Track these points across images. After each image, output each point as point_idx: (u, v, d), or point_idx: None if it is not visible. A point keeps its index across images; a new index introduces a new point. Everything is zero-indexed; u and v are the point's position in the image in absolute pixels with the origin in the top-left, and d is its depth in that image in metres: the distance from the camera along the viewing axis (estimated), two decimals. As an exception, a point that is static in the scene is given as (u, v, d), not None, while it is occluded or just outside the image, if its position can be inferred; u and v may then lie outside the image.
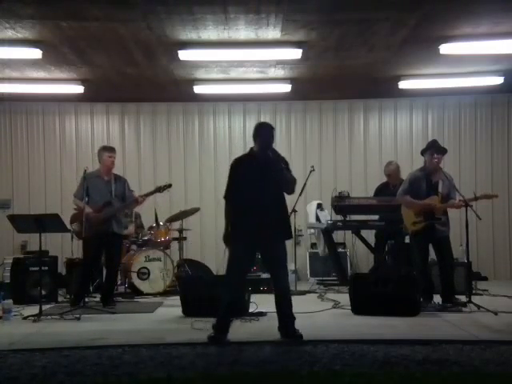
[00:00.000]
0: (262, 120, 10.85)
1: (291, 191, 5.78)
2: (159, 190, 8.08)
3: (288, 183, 5.67)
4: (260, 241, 5.61)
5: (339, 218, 9.07)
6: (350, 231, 9.60)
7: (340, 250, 10.15)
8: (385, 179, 9.38)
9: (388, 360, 4.86)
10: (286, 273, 5.76)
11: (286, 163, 5.75)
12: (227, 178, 5.84)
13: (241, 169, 5.74)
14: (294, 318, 5.66)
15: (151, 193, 8.06)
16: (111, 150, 8.03)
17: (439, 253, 7.31)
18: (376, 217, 8.98)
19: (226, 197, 5.79)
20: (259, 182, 5.57)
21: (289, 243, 10.05)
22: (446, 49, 7.88)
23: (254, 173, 5.61)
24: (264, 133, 5.71)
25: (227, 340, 5.56)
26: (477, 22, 7.12)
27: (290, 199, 9.78)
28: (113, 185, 7.82)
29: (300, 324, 5.72)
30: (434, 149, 7.38)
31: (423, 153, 7.48)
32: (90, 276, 7.90)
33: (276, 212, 5.65)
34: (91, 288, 8.52)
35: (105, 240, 7.63)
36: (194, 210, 9.33)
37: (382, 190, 9.19)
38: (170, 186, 8.13)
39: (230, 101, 10.84)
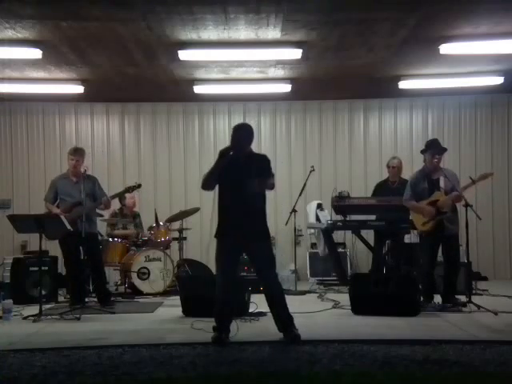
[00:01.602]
0: (262, 120, 10.92)
1: (269, 187, 5.70)
2: (128, 190, 8.13)
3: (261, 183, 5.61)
4: (241, 240, 5.59)
5: (339, 218, 9.06)
6: (350, 231, 9.60)
7: (340, 250, 10.15)
8: (384, 177, 9.38)
9: (388, 360, 4.86)
10: (274, 273, 5.75)
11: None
12: None
13: (223, 169, 5.70)
14: (291, 318, 5.65)
15: (120, 193, 8.17)
16: (73, 152, 7.96)
17: (447, 252, 7.31)
18: (373, 216, 8.97)
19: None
20: (239, 182, 5.57)
21: (289, 243, 10.26)
22: (445, 49, 7.89)
23: (234, 173, 5.60)
24: (235, 135, 5.67)
25: (228, 340, 5.55)
26: (477, 21, 7.12)
27: (289, 199, 9.95)
28: (81, 185, 7.64)
29: (300, 324, 5.72)
30: (434, 149, 7.37)
31: (423, 152, 7.49)
32: (76, 275, 7.73)
33: (254, 212, 5.63)
34: (91, 288, 8.52)
35: (79, 240, 7.44)
36: (194, 210, 9.33)
37: (381, 187, 9.18)
38: (139, 186, 8.15)
39: (230, 101, 10.84)
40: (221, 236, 5.70)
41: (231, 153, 5.61)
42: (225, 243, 5.66)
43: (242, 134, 5.71)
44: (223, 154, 5.60)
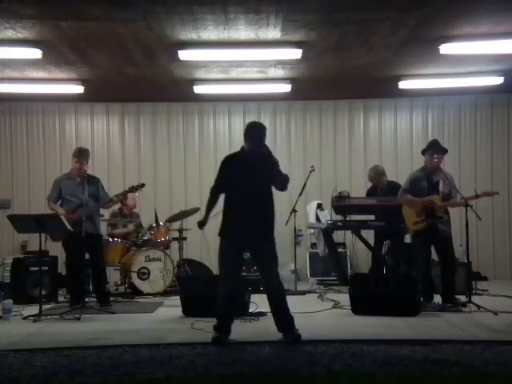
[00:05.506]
0: (262, 120, 10.89)
1: (284, 188, 5.76)
2: (132, 190, 8.11)
3: (282, 179, 5.68)
4: (248, 240, 5.60)
5: (339, 218, 9.06)
6: (350, 231, 9.60)
7: (340, 250, 10.16)
8: None
9: (388, 360, 4.86)
10: (277, 272, 5.74)
11: (276, 162, 5.74)
12: (217, 173, 5.84)
13: (231, 167, 5.73)
14: (292, 318, 5.65)
15: (125, 192, 8.16)
16: (78, 154, 7.83)
17: (441, 253, 7.32)
18: (373, 216, 8.97)
19: (212, 191, 5.85)
20: (249, 180, 5.57)
21: (288, 243, 10.25)
22: (446, 49, 7.89)
23: (243, 172, 5.61)
24: (257, 132, 5.67)
25: (228, 340, 5.54)
26: (477, 21, 7.12)
27: (289, 199, 9.94)
28: (86, 186, 7.59)
29: (300, 324, 5.72)
30: (434, 149, 7.38)
31: (424, 152, 7.49)
32: (77, 276, 7.71)
33: (263, 212, 5.65)
34: (91, 288, 8.52)
35: (83, 241, 7.40)
36: (194, 210, 9.32)
37: (371, 194, 9.22)
38: (143, 185, 8.14)
39: (230, 101, 10.84)
40: (226, 235, 5.70)
41: (245, 148, 5.64)
42: (230, 242, 5.65)
43: (261, 132, 5.69)
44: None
